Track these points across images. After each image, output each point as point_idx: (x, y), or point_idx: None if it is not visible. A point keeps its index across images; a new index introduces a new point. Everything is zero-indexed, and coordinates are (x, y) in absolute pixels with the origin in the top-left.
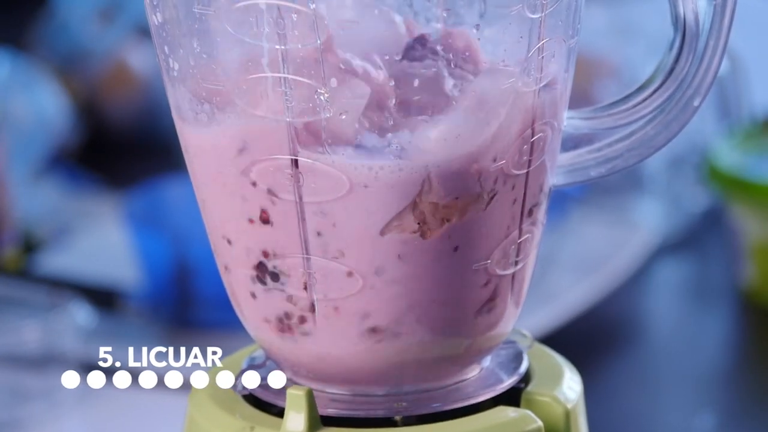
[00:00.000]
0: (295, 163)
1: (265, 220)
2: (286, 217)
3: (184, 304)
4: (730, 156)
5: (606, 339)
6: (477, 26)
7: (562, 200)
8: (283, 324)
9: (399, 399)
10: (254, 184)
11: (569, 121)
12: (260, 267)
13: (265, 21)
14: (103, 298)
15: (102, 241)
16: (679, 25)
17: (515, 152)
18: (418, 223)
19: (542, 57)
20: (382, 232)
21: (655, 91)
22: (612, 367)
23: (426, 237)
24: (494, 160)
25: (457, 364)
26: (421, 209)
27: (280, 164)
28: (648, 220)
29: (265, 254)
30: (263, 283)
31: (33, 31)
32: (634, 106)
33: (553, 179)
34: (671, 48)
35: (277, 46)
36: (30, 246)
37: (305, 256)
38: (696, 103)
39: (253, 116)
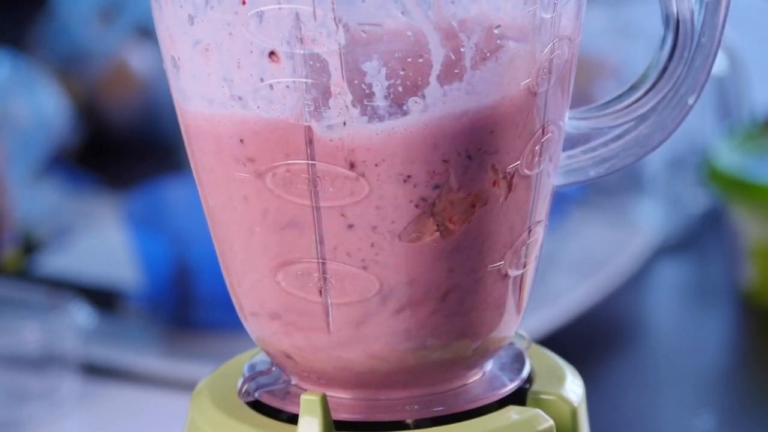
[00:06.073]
0: (312, 167)
1: (280, 224)
2: (302, 221)
3: (184, 305)
4: (730, 157)
5: (606, 340)
6: (498, 26)
7: (561, 201)
8: (296, 330)
9: (410, 402)
10: (269, 188)
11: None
12: (273, 272)
13: (284, 25)
14: (103, 298)
15: (102, 241)
16: (671, 23)
17: (528, 152)
18: (437, 225)
19: (553, 57)
20: (401, 236)
21: (648, 90)
22: (612, 367)
23: (444, 238)
24: (510, 161)
25: (465, 366)
26: (440, 211)
27: (296, 168)
28: (648, 221)
29: (280, 259)
30: (275, 288)
31: (33, 32)
32: (628, 105)
33: (555, 179)
34: (662, 47)
35: (297, 50)
36: (30, 246)
37: (321, 260)
38: (690, 101)
39: (270, 120)
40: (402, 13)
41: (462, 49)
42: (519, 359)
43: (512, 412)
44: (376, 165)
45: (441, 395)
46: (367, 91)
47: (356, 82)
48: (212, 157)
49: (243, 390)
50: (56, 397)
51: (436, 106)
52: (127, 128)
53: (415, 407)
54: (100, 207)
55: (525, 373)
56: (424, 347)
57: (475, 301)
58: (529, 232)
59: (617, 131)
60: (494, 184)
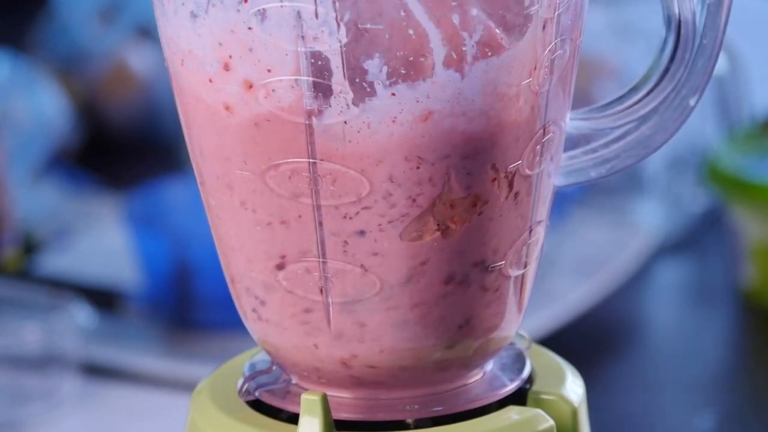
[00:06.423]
0: (313, 165)
1: (281, 223)
2: (303, 220)
3: (185, 305)
4: (730, 157)
5: (606, 340)
6: (499, 26)
7: (561, 201)
8: (297, 329)
9: (410, 402)
10: (270, 187)
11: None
12: (273, 272)
13: (285, 23)
14: (103, 298)
15: (102, 241)
16: (673, 24)
17: (529, 152)
18: (438, 224)
19: (554, 57)
20: (402, 235)
21: (650, 92)
22: (612, 367)
23: (445, 238)
24: (511, 161)
25: (465, 366)
26: (441, 210)
27: (297, 167)
28: (648, 221)
29: (281, 258)
30: (276, 287)
31: (33, 32)
32: (630, 106)
33: (557, 180)
34: (664, 48)
35: (299, 48)
36: (30, 247)
37: (321, 260)
38: (692, 102)
39: (270, 119)
40: (403, 11)
41: (464, 48)
42: (519, 359)
43: (513, 412)
44: (377, 164)
45: (441, 395)
46: (369, 90)
47: (357, 80)
48: (213, 155)
49: (243, 389)
50: (56, 397)
51: (438, 105)
52: (127, 128)
53: (416, 407)
54: (100, 207)
55: (525, 373)
56: (425, 347)
57: (475, 301)
58: (530, 232)
59: (618, 132)
60: (495, 183)
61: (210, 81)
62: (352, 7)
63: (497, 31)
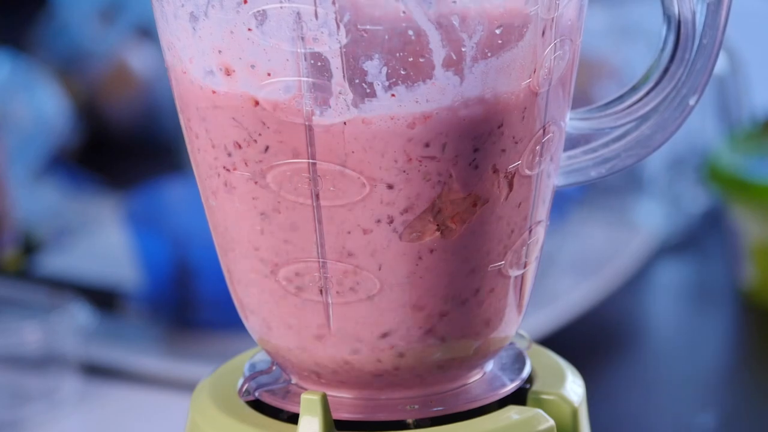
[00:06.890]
0: (313, 166)
1: (281, 223)
2: (302, 220)
3: (185, 305)
4: (730, 157)
5: (606, 340)
6: (499, 27)
7: (561, 201)
8: (297, 329)
9: (410, 402)
10: (270, 187)
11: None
12: (273, 272)
13: (285, 24)
14: (103, 299)
15: (102, 241)
16: (673, 24)
17: (529, 152)
18: (438, 224)
19: (554, 57)
20: (402, 235)
21: (650, 91)
22: (612, 367)
23: (445, 238)
24: (511, 161)
25: (465, 366)
26: (440, 211)
27: (297, 168)
28: (648, 221)
29: (281, 259)
30: (276, 287)
31: (33, 32)
32: (630, 106)
33: (556, 180)
34: (663, 47)
35: (298, 50)
36: (30, 247)
37: (321, 260)
38: (692, 102)
39: (270, 119)
40: (403, 12)
41: (463, 49)
42: (519, 359)
43: (513, 412)
44: (377, 164)
45: (441, 395)
46: (368, 91)
47: (357, 81)
48: (213, 156)
49: (243, 389)
50: (56, 397)
51: (438, 106)
52: (127, 128)
53: (416, 407)
54: (100, 207)
55: (525, 373)
56: (425, 347)
57: (475, 301)
58: (530, 232)
59: (618, 132)
60: (495, 183)
61: (209, 83)
62: (351, 8)
63: (496, 32)
